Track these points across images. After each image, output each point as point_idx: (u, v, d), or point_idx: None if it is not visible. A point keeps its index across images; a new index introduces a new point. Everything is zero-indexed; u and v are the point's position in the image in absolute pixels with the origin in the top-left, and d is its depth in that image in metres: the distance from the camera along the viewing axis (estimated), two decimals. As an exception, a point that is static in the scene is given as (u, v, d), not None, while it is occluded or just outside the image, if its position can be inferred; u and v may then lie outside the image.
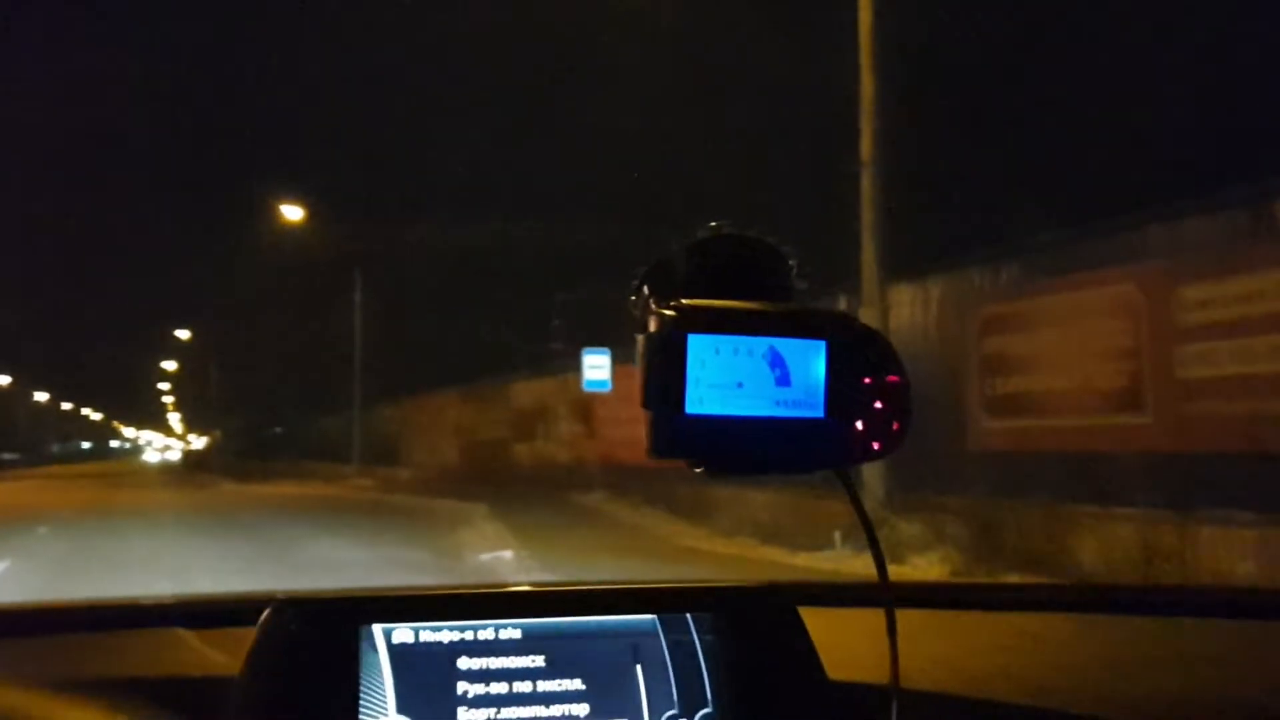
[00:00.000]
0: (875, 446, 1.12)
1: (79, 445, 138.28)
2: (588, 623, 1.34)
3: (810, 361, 1.11)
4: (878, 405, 1.12)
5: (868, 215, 14.25)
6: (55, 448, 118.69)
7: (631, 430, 22.53)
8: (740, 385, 1.09)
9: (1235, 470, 10.14)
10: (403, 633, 1.27)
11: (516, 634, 1.30)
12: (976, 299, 14.04)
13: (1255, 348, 10.46)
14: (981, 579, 10.73)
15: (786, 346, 1.11)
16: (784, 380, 1.10)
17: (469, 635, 1.29)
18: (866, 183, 14.23)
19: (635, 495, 20.60)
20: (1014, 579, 10.88)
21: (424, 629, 1.28)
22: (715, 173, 25.83)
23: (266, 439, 62.35)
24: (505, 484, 25.92)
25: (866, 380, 1.12)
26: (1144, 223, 11.88)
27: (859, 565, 12.07)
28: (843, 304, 14.93)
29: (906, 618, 1.26)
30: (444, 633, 1.29)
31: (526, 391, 29.56)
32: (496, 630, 1.30)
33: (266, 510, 24.88)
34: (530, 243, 33.97)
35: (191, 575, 13.03)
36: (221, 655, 1.47)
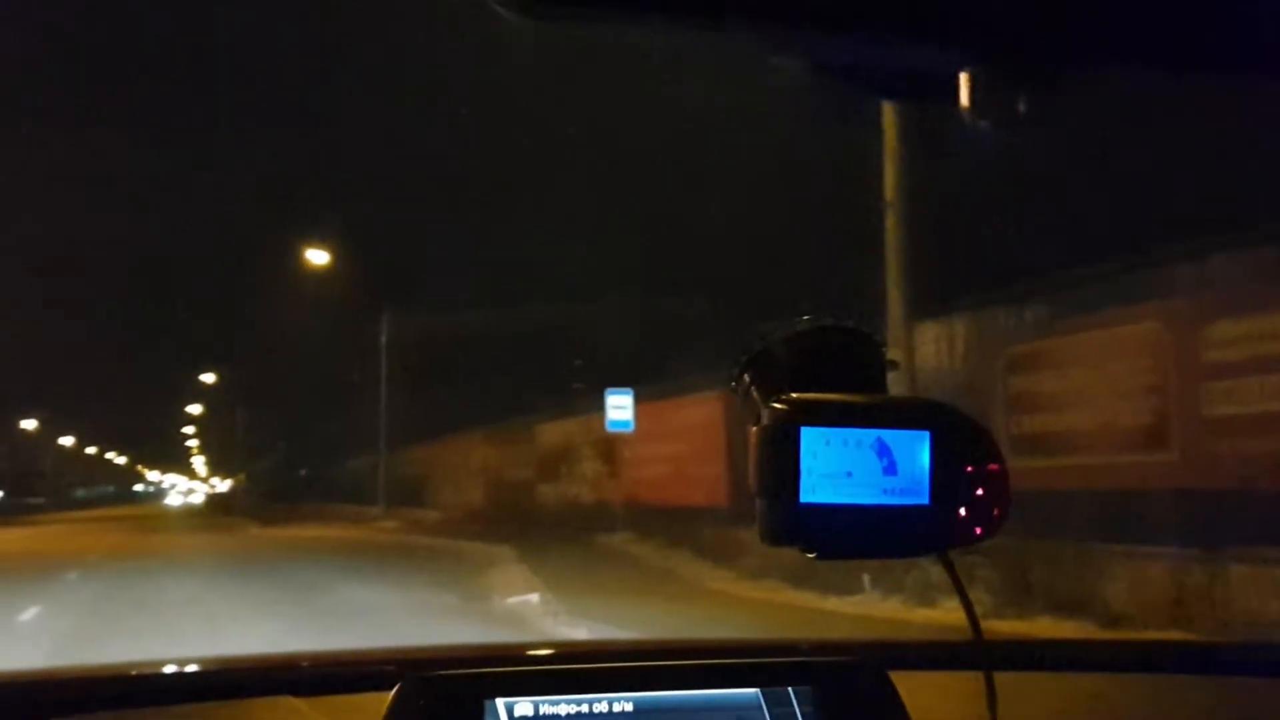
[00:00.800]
0: (977, 531, 1.19)
1: (104, 489, 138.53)
2: (695, 696, 1.39)
3: (915, 451, 1.18)
4: (979, 492, 1.19)
5: (892, 256, 14.13)
6: (80, 492, 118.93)
7: (654, 470, 22.50)
8: (850, 475, 1.16)
9: (1264, 508, 10.11)
10: (524, 706, 1.34)
11: (629, 707, 1.36)
12: (1002, 338, 14.03)
13: (1282, 384, 10.46)
14: (1013, 622, 10.70)
15: (893, 437, 1.18)
16: (891, 469, 1.17)
17: (585, 709, 1.35)
18: (891, 223, 14.13)
19: (660, 536, 20.56)
20: (1046, 621, 10.86)
21: (544, 702, 1.35)
22: (730, 209, 25.87)
23: (292, 481, 62.36)
24: (530, 525, 25.91)
25: (969, 469, 1.19)
26: (1170, 260, 11.88)
27: (888, 609, 12.06)
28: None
29: (967, 676, 1.31)
30: (562, 705, 1.35)
31: (550, 432, 29.60)
32: (610, 704, 1.36)
33: (293, 554, 24.95)
34: (553, 286, 34.13)
35: (222, 621, 13.10)
36: None
